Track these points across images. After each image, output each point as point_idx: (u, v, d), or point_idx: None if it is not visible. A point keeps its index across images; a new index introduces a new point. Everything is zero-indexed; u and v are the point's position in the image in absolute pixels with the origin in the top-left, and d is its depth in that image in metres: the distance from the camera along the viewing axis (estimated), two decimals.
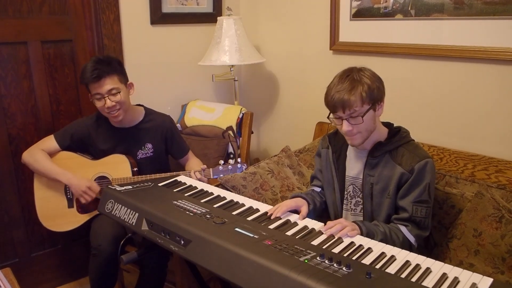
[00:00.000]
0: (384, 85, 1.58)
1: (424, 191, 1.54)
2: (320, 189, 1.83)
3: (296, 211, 1.61)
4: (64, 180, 2.04)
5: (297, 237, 1.38)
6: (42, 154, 2.07)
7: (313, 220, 1.52)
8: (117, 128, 2.14)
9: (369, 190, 1.62)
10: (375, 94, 1.53)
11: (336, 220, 1.46)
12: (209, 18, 2.79)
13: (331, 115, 1.58)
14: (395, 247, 1.32)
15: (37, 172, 2.10)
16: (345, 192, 1.72)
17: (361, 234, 1.43)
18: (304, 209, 1.61)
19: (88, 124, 2.15)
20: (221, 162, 2.10)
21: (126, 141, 2.14)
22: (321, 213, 1.81)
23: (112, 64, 2.01)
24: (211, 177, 2.08)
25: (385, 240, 1.48)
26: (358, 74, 1.53)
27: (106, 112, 2.02)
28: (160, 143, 2.21)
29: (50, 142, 2.12)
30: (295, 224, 1.49)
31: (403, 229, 1.54)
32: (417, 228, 1.55)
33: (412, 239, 1.54)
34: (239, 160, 2.12)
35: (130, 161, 2.11)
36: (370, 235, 1.46)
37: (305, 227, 1.46)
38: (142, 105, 2.25)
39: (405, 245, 1.53)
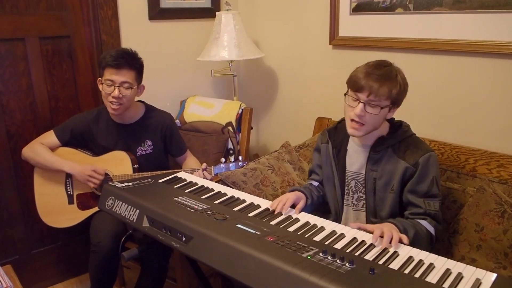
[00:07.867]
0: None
1: (433, 185, 1.54)
2: (318, 183, 1.82)
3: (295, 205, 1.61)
4: (67, 169, 2.04)
5: (299, 233, 1.37)
6: (42, 147, 2.06)
7: (315, 216, 1.51)
8: (118, 124, 2.13)
9: (372, 185, 1.62)
10: (400, 98, 1.54)
11: (377, 227, 1.37)
12: (208, 13, 2.78)
13: (351, 92, 1.55)
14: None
15: (38, 165, 2.09)
16: (346, 187, 1.71)
17: (400, 232, 1.38)
18: (301, 203, 1.61)
19: (89, 119, 2.14)
20: (223, 160, 2.09)
21: (126, 137, 2.13)
22: (318, 207, 1.81)
23: (137, 61, 2.04)
24: (213, 175, 2.07)
25: (416, 234, 1.46)
26: (395, 71, 1.53)
27: (108, 101, 2.00)
28: (159, 140, 2.20)
29: (50, 137, 2.11)
30: (297, 220, 1.48)
31: (423, 222, 1.52)
32: (434, 220, 1.54)
33: (433, 230, 1.53)
34: (240, 158, 2.11)
35: (131, 158, 2.10)
36: (405, 232, 1.43)
37: (307, 223, 1.45)
38: (142, 102, 2.23)
39: (428, 238, 1.52)
